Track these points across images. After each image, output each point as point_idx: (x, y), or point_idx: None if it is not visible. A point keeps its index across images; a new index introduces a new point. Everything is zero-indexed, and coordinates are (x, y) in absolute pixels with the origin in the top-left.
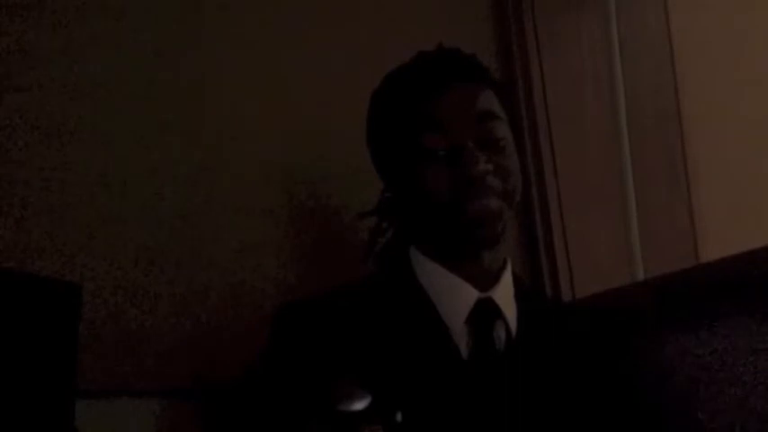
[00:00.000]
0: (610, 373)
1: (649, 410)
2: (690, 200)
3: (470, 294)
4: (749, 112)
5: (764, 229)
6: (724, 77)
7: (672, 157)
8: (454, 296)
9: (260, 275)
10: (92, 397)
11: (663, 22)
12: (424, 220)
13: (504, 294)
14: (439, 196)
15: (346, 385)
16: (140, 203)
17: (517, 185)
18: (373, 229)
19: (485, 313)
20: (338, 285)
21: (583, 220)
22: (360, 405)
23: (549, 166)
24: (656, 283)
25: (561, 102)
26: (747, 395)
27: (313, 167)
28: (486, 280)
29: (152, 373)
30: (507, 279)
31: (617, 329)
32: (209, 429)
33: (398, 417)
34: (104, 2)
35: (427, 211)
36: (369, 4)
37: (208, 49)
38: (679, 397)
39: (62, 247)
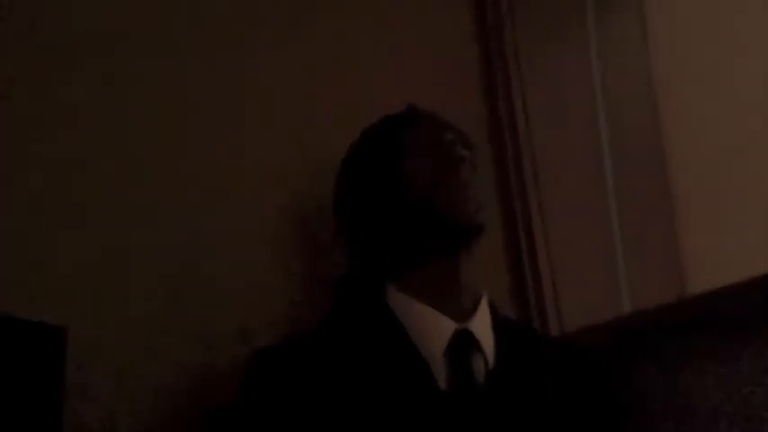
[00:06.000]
0: (590, 406)
1: None
2: (674, 231)
3: (447, 326)
4: (731, 141)
5: (750, 259)
6: (705, 105)
7: (656, 189)
8: (431, 329)
9: (263, 311)
10: None
11: (644, 59)
12: (403, 221)
13: (482, 326)
14: (421, 186)
15: None
16: (135, 235)
17: (486, 200)
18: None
19: (462, 345)
20: (310, 329)
21: (569, 254)
22: None
23: (533, 201)
24: (639, 317)
25: (545, 134)
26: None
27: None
28: (463, 312)
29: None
30: (484, 310)
31: (598, 363)
32: None
33: None
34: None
35: (408, 205)
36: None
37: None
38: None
39: (50, 287)
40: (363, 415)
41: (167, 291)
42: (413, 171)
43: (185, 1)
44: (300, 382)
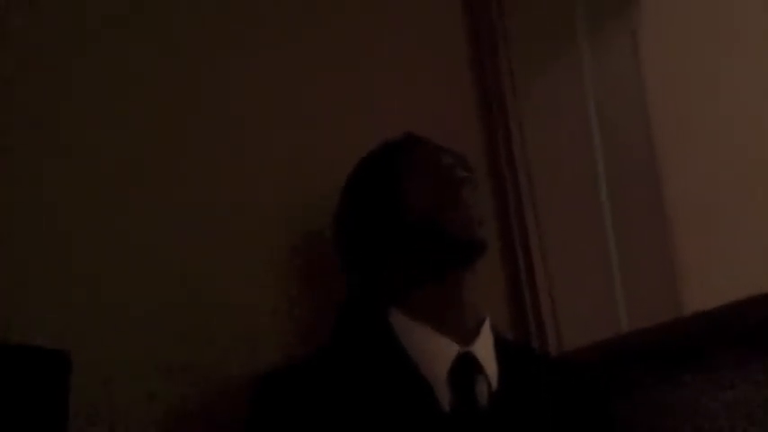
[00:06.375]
0: (590, 427)
1: None
2: (670, 247)
3: (451, 349)
4: (724, 161)
5: (745, 273)
6: (698, 126)
7: (651, 205)
8: (435, 352)
9: (266, 337)
10: None
11: (636, 76)
12: (405, 242)
13: (485, 348)
14: (423, 208)
15: None
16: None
17: (487, 218)
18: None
19: (466, 368)
20: (315, 352)
21: (567, 272)
22: None
23: (530, 218)
24: (638, 336)
25: (541, 151)
26: None
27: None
28: (466, 334)
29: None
30: (487, 333)
31: (597, 382)
32: None
33: None
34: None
35: (410, 226)
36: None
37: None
38: None
39: (54, 313)
40: None
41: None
42: (414, 193)
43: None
44: (306, 408)
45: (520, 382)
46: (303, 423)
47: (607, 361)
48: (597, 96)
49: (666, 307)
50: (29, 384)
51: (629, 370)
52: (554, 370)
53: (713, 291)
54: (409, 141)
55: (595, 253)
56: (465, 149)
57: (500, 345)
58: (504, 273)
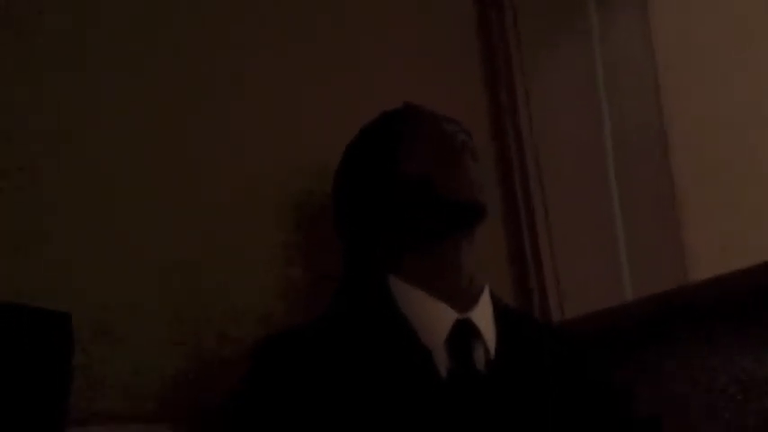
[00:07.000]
0: (589, 394)
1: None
2: (677, 218)
3: (449, 315)
4: (733, 137)
5: (752, 246)
6: (708, 104)
7: (658, 176)
8: (433, 318)
9: (262, 298)
10: (84, 425)
11: (647, 50)
12: (403, 207)
13: (483, 315)
14: (422, 173)
15: None
16: (135, 224)
17: (487, 186)
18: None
19: (464, 334)
20: (317, 317)
21: (572, 243)
22: None
23: (536, 192)
24: (642, 304)
25: (548, 129)
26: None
27: (315, 181)
28: (465, 301)
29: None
30: (486, 300)
31: (599, 351)
32: None
33: None
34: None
35: (409, 191)
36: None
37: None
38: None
39: (53, 272)
40: (365, 403)
41: (165, 292)
42: (415, 160)
43: (185, 1)
44: (305, 370)
45: (518, 350)
46: (302, 384)
47: (607, 329)
48: (606, 67)
49: (672, 277)
50: (29, 344)
51: (629, 338)
52: (554, 338)
53: (719, 260)
54: (408, 110)
55: (601, 224)
56: (470, 123)
57: (500, 312)
58: (507, 242)
